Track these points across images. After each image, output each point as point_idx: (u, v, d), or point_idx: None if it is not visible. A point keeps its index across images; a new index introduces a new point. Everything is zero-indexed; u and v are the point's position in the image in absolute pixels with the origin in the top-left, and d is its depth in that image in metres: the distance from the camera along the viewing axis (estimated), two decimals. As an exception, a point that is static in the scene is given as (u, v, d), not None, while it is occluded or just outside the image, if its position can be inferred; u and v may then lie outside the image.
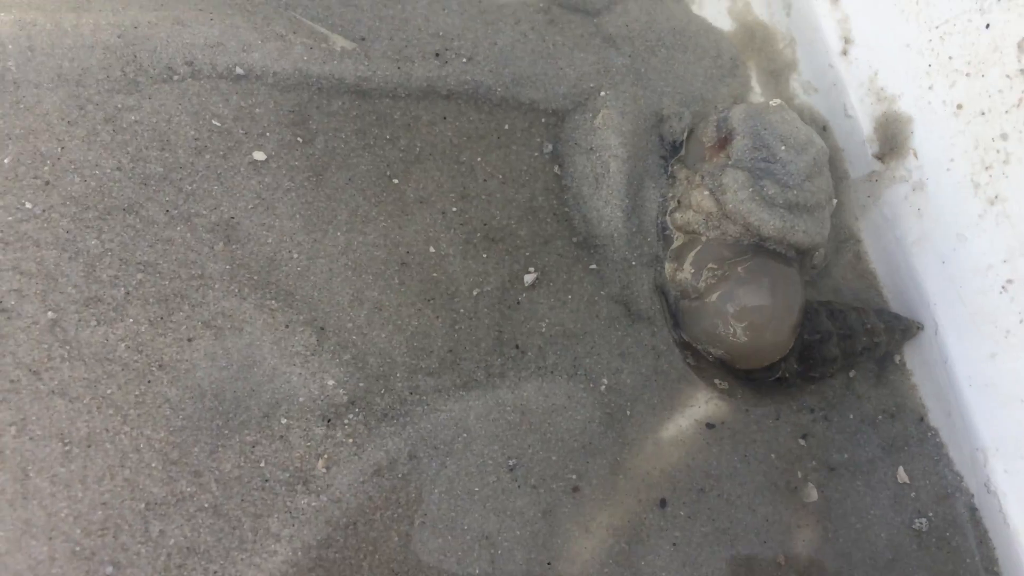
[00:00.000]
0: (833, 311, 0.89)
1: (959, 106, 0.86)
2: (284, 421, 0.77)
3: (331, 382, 0.79)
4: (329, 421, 0.78)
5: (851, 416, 0.90)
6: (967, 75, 0.85)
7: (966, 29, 0.85)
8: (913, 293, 0.92)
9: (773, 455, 0.87)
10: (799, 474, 0.87)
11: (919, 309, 0.92)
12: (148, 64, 0.85)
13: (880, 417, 0.91)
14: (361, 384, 0.80)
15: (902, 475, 0.87)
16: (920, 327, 0.91)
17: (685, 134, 0.93)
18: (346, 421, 0.78)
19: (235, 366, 0.77)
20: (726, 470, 0.85)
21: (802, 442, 0.88)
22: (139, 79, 0.85)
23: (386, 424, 0.79)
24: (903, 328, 0.91)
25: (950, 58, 0.87)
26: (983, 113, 0.84)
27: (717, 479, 0.85)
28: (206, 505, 0.73)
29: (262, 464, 0.75)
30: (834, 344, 0.87)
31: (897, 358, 0.93)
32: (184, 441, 0.74)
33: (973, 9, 0.85)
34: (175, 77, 0.86)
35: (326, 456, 0.77)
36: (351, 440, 0.78)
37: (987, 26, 0.83)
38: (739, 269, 0.83)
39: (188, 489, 0.73)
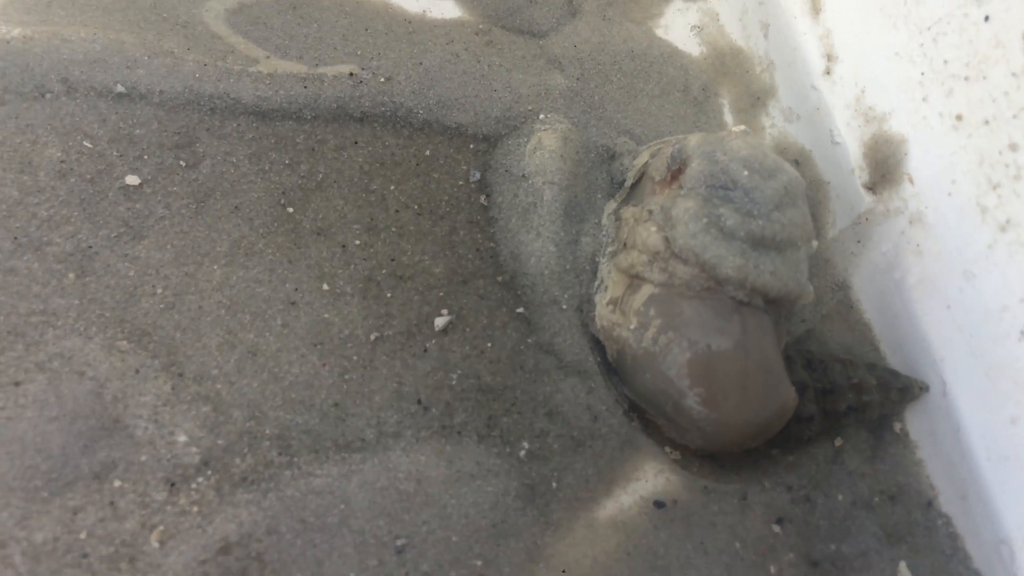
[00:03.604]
0: (812, 360, 0.73)
1: (958, 117, 0.72)
2: (118, 484, 0.63)
3: (183, 438, 0.65)
4: (173, 485, 0.64)
5: (840, 497, 0.73)
6: (966, 79, 0.71)
7: (962, 26, 0.72)
8: (916, 347, 0.76)
9: (738, 544, 0.70)
10: (772, 569, 0.69)
11: (924, 366, 0.75)
12: (18, 82, 0.76)
13: (877, 499, 0.74)
14: (219, 442, 0.66)
15: (905, 573, 0.69)
16: (924, 387, 0.75)
17: (638, 174, 0.78)
18: (194, 486, 0.64)
19: (68, 416, 0.64)
20: (677, 561, 0.68)
21: (776, 528, 0.71)
22: (7, 97, 0.76)
23: (243, 490, 0.64)
24: (901, 387, 0.74)
25: (945, 62, 0.73)
26: (987, 122, 0.69)
27: (665, 572, 0.68)
28: (4, 584, 0.59)
29: (83, 535, 0.62)
30: (810, 399, 0.71)
31: (897, 426, 0.76)
32: (-12, 505, 0.61)
33: (969, 1, 0.71)
34: (47, 95, 0.77)
35: (162, 528, 0.62)
36: (196, 509, 0.63)
37: (986, 18, 0.70)
38: (689, 314, 0.68)
39: (-16, 563, 0.59)
